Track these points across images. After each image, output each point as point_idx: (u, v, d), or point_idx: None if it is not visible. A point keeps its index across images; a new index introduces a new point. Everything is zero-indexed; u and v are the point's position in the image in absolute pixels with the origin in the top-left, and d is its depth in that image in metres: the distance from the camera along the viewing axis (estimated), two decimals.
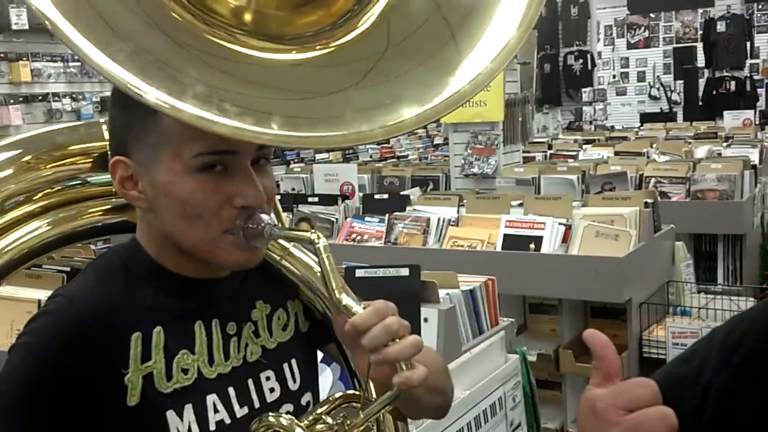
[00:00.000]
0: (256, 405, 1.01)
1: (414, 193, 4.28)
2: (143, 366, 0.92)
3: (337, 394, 0.98)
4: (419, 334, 1.86)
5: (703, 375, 0.86)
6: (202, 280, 0.99)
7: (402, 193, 4.32)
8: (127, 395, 0.91)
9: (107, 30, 0.75)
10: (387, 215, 3.64)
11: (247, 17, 0.93)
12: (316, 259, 1.00)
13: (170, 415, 0.92)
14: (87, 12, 0.74)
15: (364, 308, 0.89)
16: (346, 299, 0.90)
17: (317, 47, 0.92)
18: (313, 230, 0.93)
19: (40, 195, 1.12)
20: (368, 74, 0.90)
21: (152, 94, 0.73)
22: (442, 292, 1.95)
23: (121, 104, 0.94)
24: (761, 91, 12.37)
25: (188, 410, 0.94)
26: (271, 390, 1.03)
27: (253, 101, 0.81)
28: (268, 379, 1.03)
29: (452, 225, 3.54)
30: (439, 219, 3.56)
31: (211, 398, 0.96)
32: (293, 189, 5.29)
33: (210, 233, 0.92)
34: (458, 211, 3.64)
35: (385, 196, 3.96)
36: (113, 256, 1.00)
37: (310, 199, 4.05)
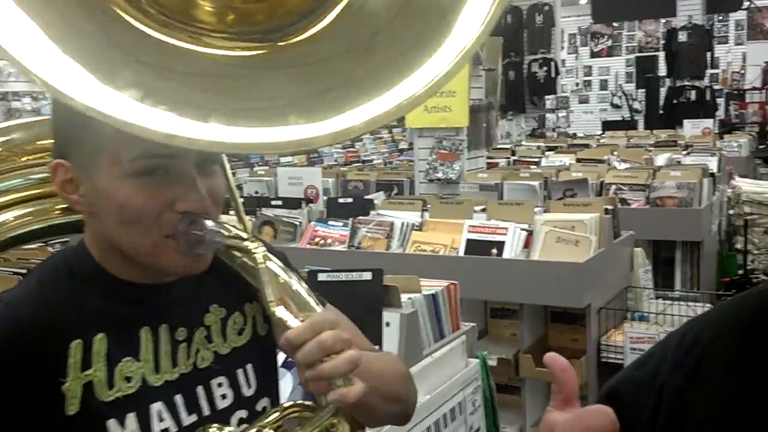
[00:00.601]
0: (206, 412, 0.99)
1: (378, 197, 4.28)
2: (83, 374, 0.90)
3: (287, 404, 0.96)
4: (380, 338, 1.87)
5: (658, 378, 0.88)
6: (150, 285, 0.97)
7: (366, 197, 4.32)
8: (66, 404, 0.88)
9: (35, 28, 0.71)
10: (351, 219, 3.64)
11: (197, 10, 0.89)
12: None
13: (111, 424, 0.90)
14: (13, 10, 0.70)
15: (302, 321, 0.87)
16: (281, 312, 0.88)
17: (266, 46, 0.88)
18: (253, 238, 0.91)
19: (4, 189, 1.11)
20: (316, 77, 0.86)
21: (81, 99, 0.70)
22: (404, 297, 1.95)
23: (61, 107, 0.93)
24: (720, 101, 12.63)
25: (131, 419, 0.92)
26: (223, 396, 1.01)
27: (190, 104, 0.77)
28: (220, 385, 1.01)
29: (416, 230, 3.55)
30: (402, 223, 3.56)
31: (156, 406, 0.94)
32: (257, 192, 5.26)
33: (150, 238, 0.91)
34: (422, 216, 3.65)
35: (349, 200, 3.95)
36: (59, 260, 0.98)
37: (273, 203, 4.03)
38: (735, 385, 0.81)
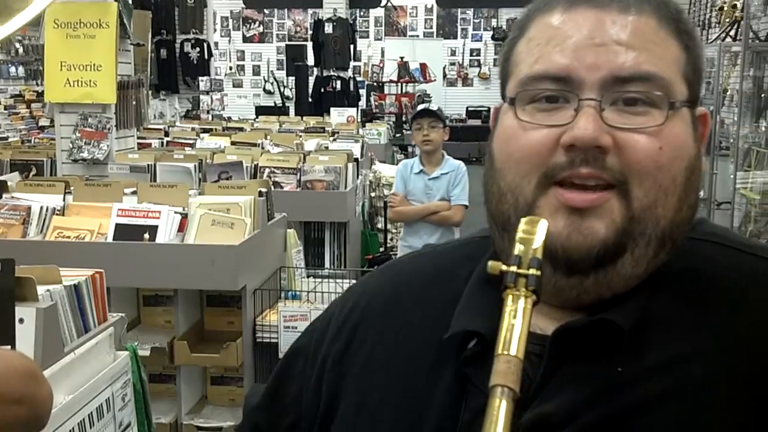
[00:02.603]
0: None
1: (13, 178, 3.84)
2: None
3: None
4: (13, 336, 1.66)
5: (321, 347, 0.88)
6: None
7: None
8: None
9: None
10: None
11: None
12: None
13: None
14: None
15: None
16: None
17: None
18: None
19: None
20: None
21: None
22: (41, 289, 1.76)
23: None
24: (363, 92, 13.61)
25: None
26: None
27: None
28: None
29: (57, 214, 3.26)
30: (41, 207, 3.24)
31: None
32: None
33: None
34: (64, 199, 3.36)
35: None
36: None
37: None
38: (381, 347, 0.83)
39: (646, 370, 0.68)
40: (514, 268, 0.64)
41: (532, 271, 0.63)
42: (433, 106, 4.36)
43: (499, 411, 0.58)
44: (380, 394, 0.80)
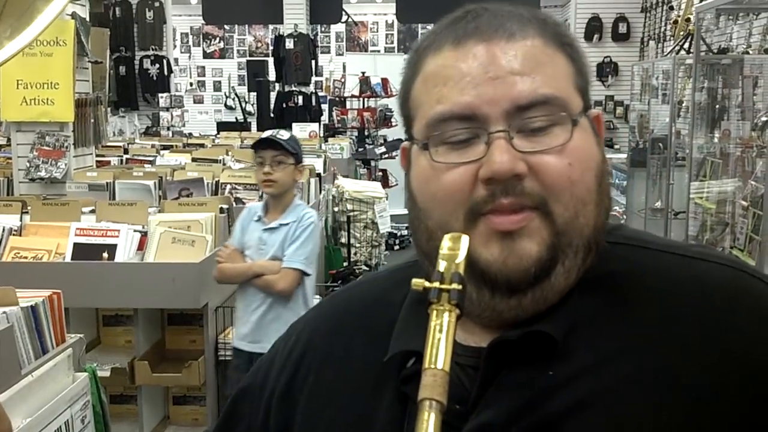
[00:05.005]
0: None
1: None
2: None
3: None
4: None
5: (267, 383, 0.88)
6: None
7: None
8: None
9: None
10: None
11: None
12: None
13: None
14: None
15: None
16: None
17: None
18: None
19: None
20: None
21: None
22: None
23: None
24: (325, 107, 13.60)
25: None
26: None
27: None
28: None
29: (14, 234, 3.20)
30: None
31: None
32: None
33: None
34: (21, 219, 3.31)
35: None
36: None
37: None
38: (325, 378, 0.83)
39: (577, 372, 0.71)
40: (437, 284, 0.65)
41: (454, 286, 0.65)
42: (283, 135, 3.17)
43: (428, 424, 0.59)
44: (327, 423, 0.81)
